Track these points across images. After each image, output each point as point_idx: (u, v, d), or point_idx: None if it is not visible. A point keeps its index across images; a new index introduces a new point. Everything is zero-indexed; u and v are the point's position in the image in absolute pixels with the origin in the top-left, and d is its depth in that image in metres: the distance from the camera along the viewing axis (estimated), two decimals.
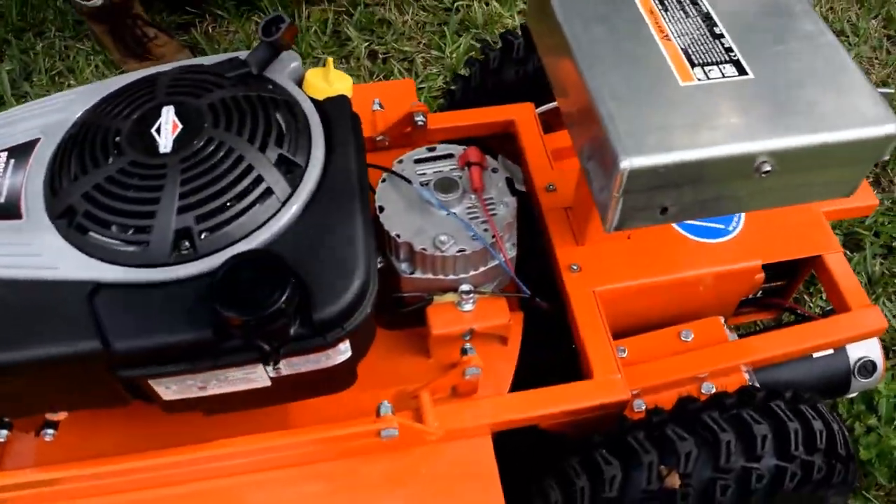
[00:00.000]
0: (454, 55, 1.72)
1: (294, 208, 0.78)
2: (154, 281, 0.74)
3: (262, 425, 0.89)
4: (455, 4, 1.86)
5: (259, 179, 0.78)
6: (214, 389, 0.79)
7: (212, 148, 0.78)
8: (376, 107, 1.19)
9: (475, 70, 1.26)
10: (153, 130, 0.80)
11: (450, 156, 1.03)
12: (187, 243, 0.75)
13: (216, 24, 1.83)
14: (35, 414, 0.85)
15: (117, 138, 0.80)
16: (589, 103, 0.78)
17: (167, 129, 0.80)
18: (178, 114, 0.81)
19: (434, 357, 0.99)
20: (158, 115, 0.81)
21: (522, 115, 1.19)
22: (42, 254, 0.76)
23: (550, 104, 1.21)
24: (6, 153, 0.86)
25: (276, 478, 0.90)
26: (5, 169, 0.84)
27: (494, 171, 1.01)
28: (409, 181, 0.97)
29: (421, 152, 1.03)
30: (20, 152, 0.86)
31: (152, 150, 0.78)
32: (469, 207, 0.97)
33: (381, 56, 1.75)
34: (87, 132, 0.83)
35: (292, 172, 0.80)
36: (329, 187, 0.81)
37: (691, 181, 0.77)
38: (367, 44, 1.77)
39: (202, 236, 0.75)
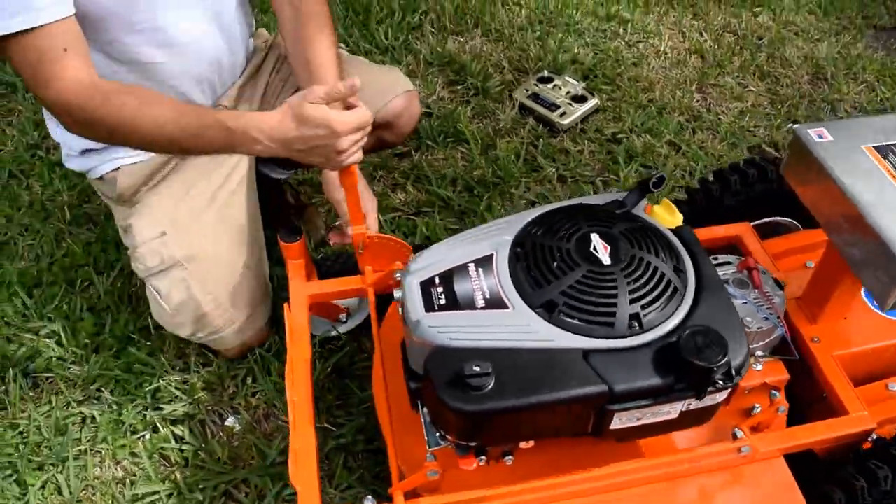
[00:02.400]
0: (629, 179, 2.20)
1: (689, 299, 1.21)
2: (621, 347, 1.16)
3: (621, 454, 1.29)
4: (616, 136, 2.36)
5: (669, 282, 1.21)
6: (644, 420, 1.19)
7: (636, 261, 1.21)
8: None
9: (700, 196, 1.73)
10: (591, 249, 1.23)
11: (728, 262, 1.48)
12: (636, 323, 1.17)
13: (428, 153, 2.30)
14: (516, 442, 1.24)
15: (569, 254, 1.23)
16: (873, 233, 1.23)
17: (600, 248, 1.23)
18: (602, 238, 1.25)
19: (732, 404, 1.40)
20: (589, 239, 1.25)
21: (745, 231, 1.65)
22: (539, 332, 1.17)
23: (759, 221, 1.68)
24: (474, 264, 1.28)
25: (648, 491, 1.29)
26: (478, 274, 1.26)
27: (763, 272, 1.46)
28: None
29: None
30: (483, 263, 1.28)
31: (598, 263, 1.21)
32: (755, 298, 1.41)
33: (569, 179, 2.22)
34: (538, 250, 1.25)
35: (681, 277, 1.24)
36: (704, 285, 1.24)
37: None
38: (554, 169, 2.25)
39: (644, 318, 1.18)
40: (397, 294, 1.38)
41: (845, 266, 1.33)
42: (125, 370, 1.77)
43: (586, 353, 1.15)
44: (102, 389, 1.75)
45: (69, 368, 1.79)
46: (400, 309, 1.28)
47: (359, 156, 1.41)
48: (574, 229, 1.28)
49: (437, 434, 1.31)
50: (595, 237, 1.25)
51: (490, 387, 1.12)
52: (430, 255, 1.32)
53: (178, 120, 1.32)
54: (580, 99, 2.43)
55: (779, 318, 1.38)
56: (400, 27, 2.79)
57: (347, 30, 2.76)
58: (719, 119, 2.45)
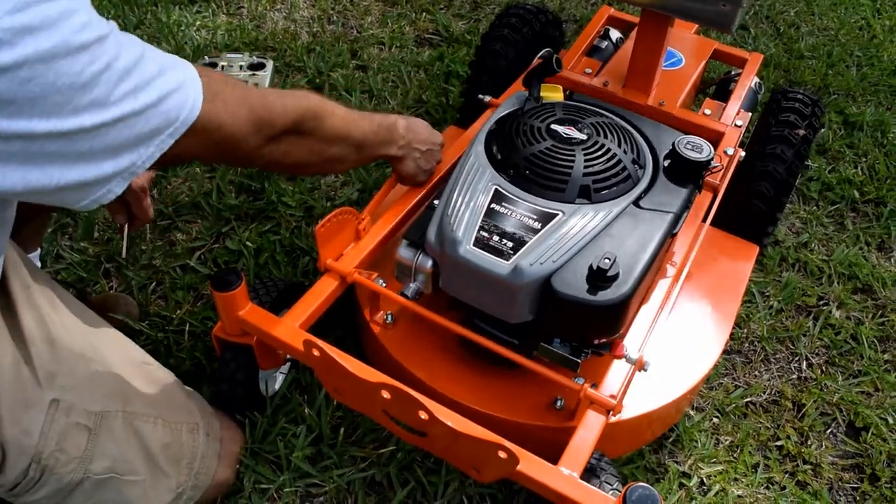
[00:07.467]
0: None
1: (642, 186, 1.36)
2: None
3: None
4: (326, 86, 2.31)
5: (624, 168, 1.35)
6: None
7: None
8: None
9: None
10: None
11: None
12: None
13: (163, 185, 1.96)
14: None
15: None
16: None
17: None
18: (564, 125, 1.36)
19: None
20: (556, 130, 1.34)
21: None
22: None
23: None
24: (492, 199, 1.27)
25: None
26: (504, 206, 1.27)
27: None
28: None
29: None
30: (496, 197, 1.28)
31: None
32: None
33: None
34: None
35: (640, 167, 1.38)
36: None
37: None
38: None
39: None
40: (421, 275, 1.31)
41: None
42: None
43: None
44: None
45: None
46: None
47: None
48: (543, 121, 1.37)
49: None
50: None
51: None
52: (446, 221, 1.26)
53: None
54: (258, 66, 2.30)
55: None
56: None
57: None
58: (390, 33, 2.59)
